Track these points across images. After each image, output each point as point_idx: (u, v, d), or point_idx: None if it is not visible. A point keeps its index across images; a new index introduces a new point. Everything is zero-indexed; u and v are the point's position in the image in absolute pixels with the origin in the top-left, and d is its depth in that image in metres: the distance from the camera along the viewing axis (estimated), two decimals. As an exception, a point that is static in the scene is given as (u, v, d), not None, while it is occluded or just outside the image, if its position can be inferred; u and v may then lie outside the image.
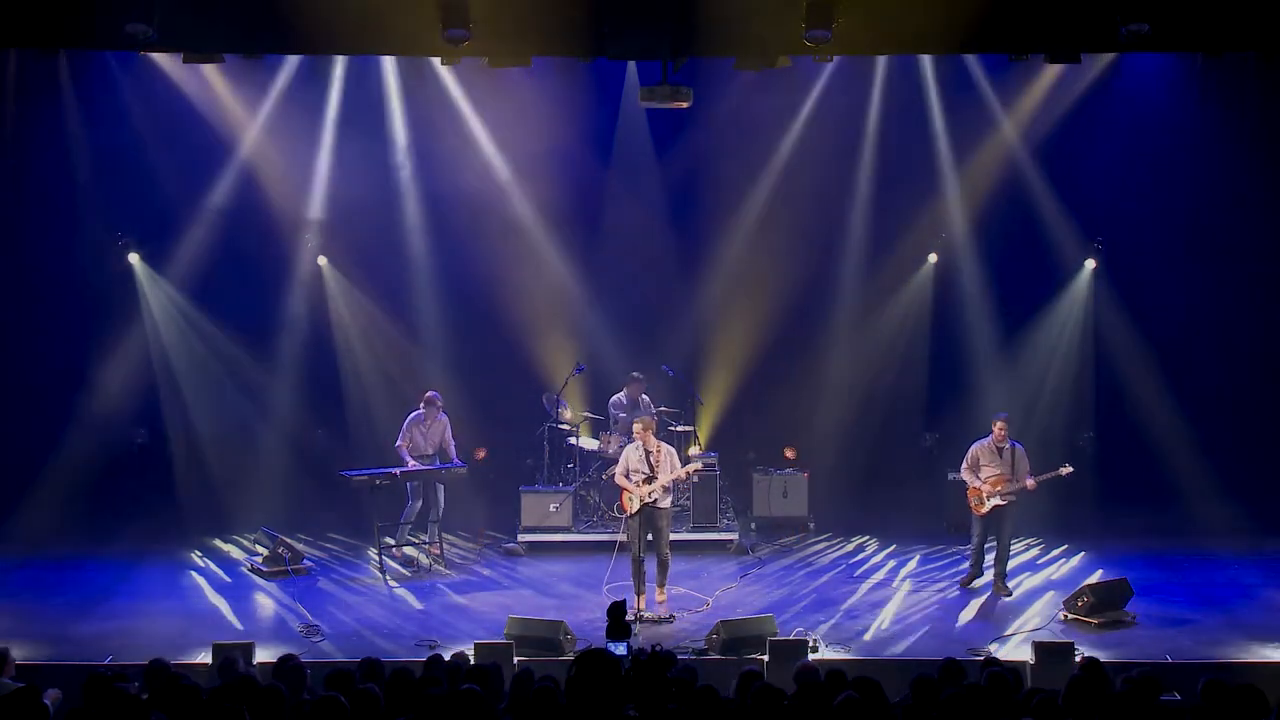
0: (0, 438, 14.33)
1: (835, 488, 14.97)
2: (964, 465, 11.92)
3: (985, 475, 11.71)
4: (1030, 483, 11.57)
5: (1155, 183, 14.62)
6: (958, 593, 12.04)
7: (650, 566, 11.52)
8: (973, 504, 11.79)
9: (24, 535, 13.40)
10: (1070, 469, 11.68)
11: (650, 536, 11.44)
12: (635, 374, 14.47)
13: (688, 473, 11.96)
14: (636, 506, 11.36)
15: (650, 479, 11.32)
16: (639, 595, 11.35)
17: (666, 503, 11.52)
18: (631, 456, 11.50)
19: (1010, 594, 11.75)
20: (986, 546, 11.99)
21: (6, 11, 9.64)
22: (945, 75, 14.65)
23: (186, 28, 9.71)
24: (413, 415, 13.43)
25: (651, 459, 11.38)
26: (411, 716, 6.63)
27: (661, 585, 11.55)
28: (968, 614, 11.44)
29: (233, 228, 14.71)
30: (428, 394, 13.47)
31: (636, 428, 11.64)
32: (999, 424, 11.79)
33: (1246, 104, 14.09)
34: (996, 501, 11.59)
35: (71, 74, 13.86)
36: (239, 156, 14.50)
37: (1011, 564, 12.13)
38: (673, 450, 11.75)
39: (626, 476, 11.47)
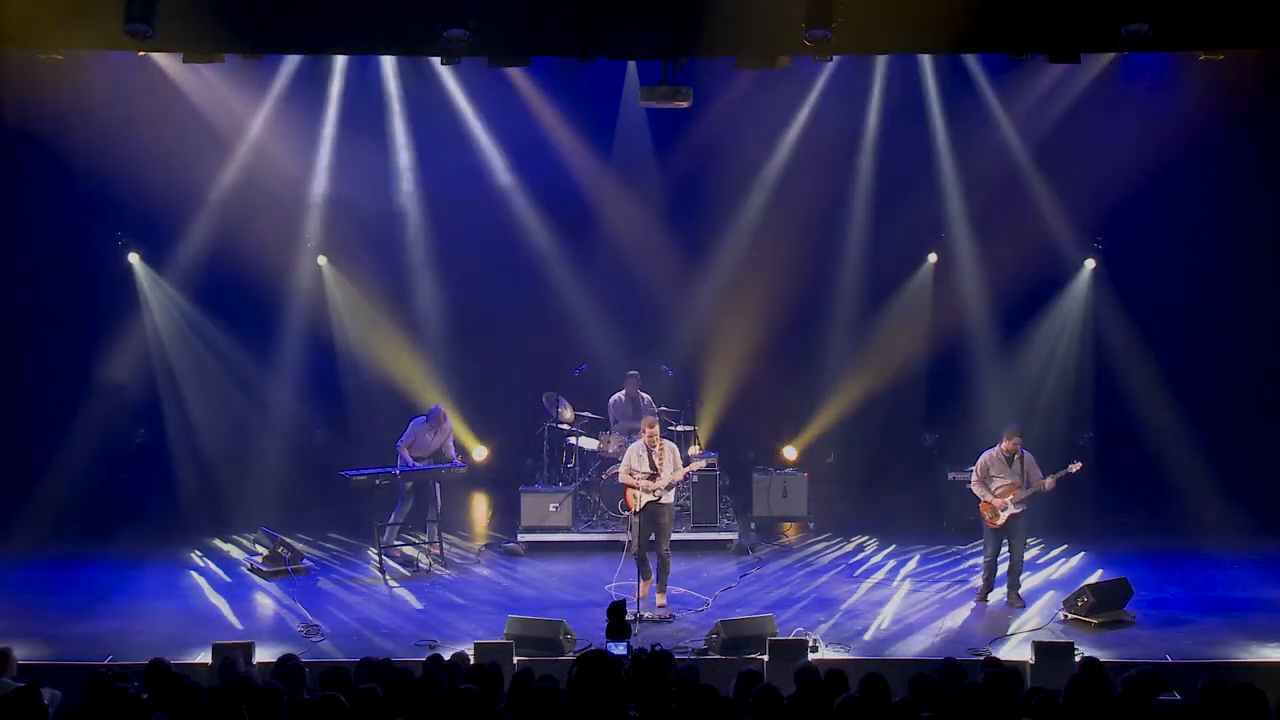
0: (1, 437, 14.33)
1: (835, 488, 14.97)
2: (974, 477, 11.69)
3: (996, 486, 11.52)
4: (1049, 481, 11.46)
5: (1155, 182, 14.60)
6: (958, 592, 12.03)
7: (653, 564, 11.51)
8: (987, 517, 11.59)
9: (24, 535, 13.39)
10: (1080, 465, 11.58)
11: (653, 534, 11.43)
12: (631, 371, 14.50)
13: (688, 472, 11.96)
14: (641, 503, 11.38)
15: (653, 476, 11.34)
16: (644, 581, 11.36)
17: (669, 498, 11.53)
18: (633, 456, 11.49)
19: (1024, 605, 11.52)
20: (1000, 559, 11.74)
21: (8, 12, 9.64)
22: (945, 75, 14.66)
23: (186, 28, 9.71)
24: (417, 420, 13.43)
25: (654, 456, 11.38)
26: (411, 716, 6.64)
27: (662, 589, 11.49)
28: (968, 614, 11.42)
29: (233, 227, 14.72)
30: (434, 410, 13.43)
31: (646, 429, 11.53)
32: (1015, 438, 11.54)
33: (1246, 104, 14.09)
34: (1011, 511, 11.50)
35: (72, 74, 13.84)
36: (239, 157, 14.51)
37: (1011, 564, 12.12)
38: (675, 447, 11.75)
39: (630, 475, 11.48)
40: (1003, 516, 11.49)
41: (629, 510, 11.58)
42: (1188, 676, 8.31)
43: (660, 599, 11.45)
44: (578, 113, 14.97)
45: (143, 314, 14.88)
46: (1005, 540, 11.61)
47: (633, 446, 11.63)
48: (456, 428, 13.93)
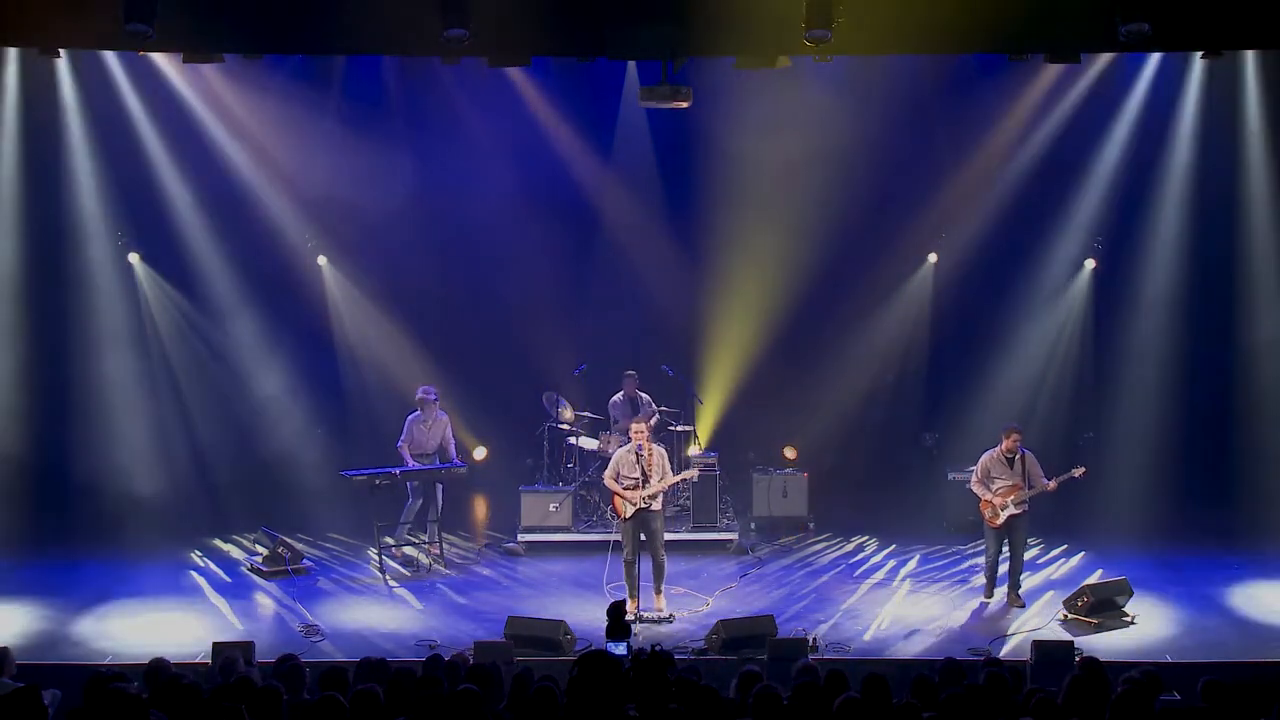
0: (0, 438, 14.33)
1: (835, 488, 14.97)
2: (974, 478, 11.74)
3: (997, 487, 11.53)
4: (1052, 484, 11.47)
5: (1154, 183, 14.63)
6: (958, 592, 12.03)
7: (645, 566, 11.47)
8: (987, 516, 11.61)
9: (24, 535, 13.40)
10: (1083, 469, 11.59)
11: (644, 538, 11.40)
12: (629, 371, 14.51)
13: (676, 481, 11.89)
14: (631, 511, 11.34)
15: (642, 483, 11.28)
16: (632, 599, 11.30)
17: (659, 505, 11.46)
18: (623, 460, 11.44)
19: (1024, 605, 11.54)
20: (1001, 559, 11.74)
21: (6, 11, 9.64)
22: (945, 75, 14.64)
23: (186, 28, 9.70)
24: (413, 415, 13.46)
25: (644, 463, 11.33)
26: (411, 716, 6.64)
27: (659, 591, 11.43)
28: (967, 614, 11.43)
29: (232, 227, 14.74)
30: (419, 393, 13.47)
31: (634, 429, 11.58)
32: (1013, 437, 11.57)
33: (1246, 104, 14.09)
34: (1012, 511, 11.48)
35: (72, 74, 13.87)
36: (239, 156, 14.52)
37: (1012, 564, 12.11)
38: (664, 452, 11.67)
39: (616, 479, 11.43)
40: (1002, 516, 11.50)
41: (618, 517, 11.54)
42: (1188, 676, 8.30)
43: (659, 601, 11.40)
44: (578, 113, 14.97)
45: (142, 314, 14.88)
46: (1006, 540, 11.61)
47: (622, 450, 11.60)
48: (456, 428, 13.91)
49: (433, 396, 13.47)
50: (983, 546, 12.55)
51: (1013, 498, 11.46)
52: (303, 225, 15.11)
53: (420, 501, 13.39)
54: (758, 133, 14.89)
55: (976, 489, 11.72)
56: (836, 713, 6.33)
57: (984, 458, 11.72)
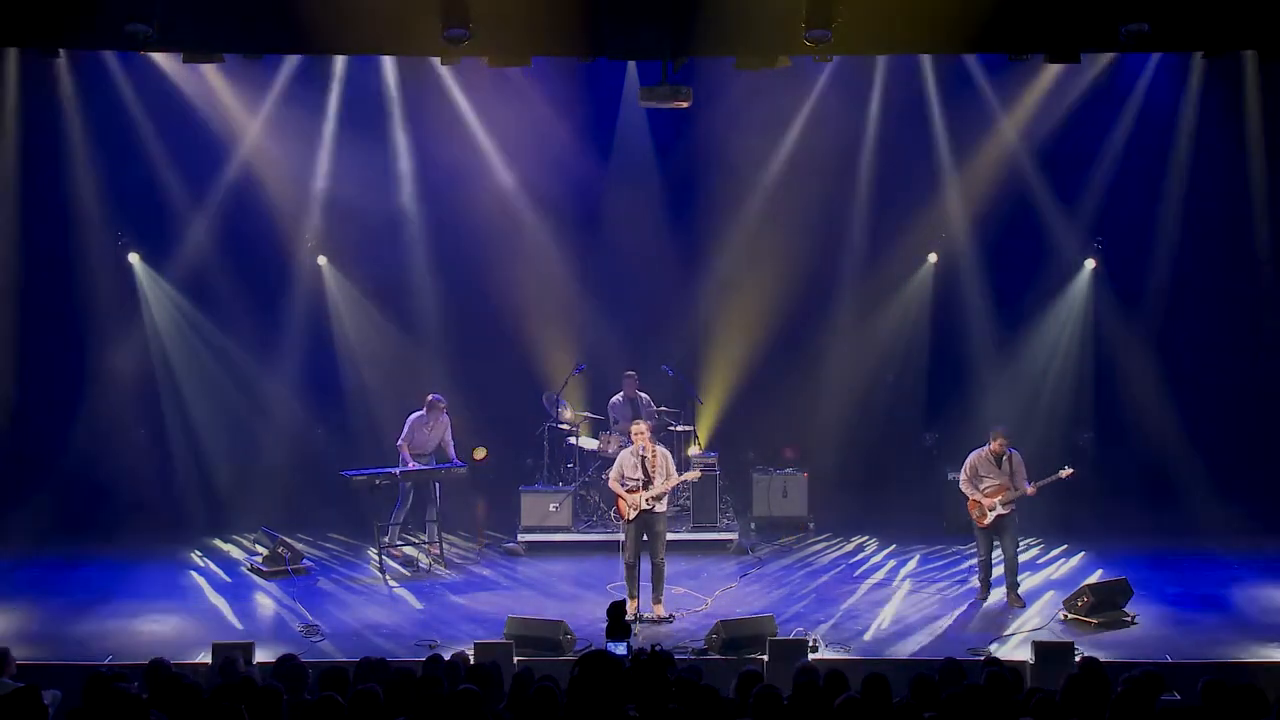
0: (0, 438, 14.33)
1: (835, 488, 14.97)
2: (963, 476, 11.70)
3: (985, 486, 11.52)
4: (1030, 489, 11.44)
5: (1155, 182, 14.64)
6: (958, 592, 12.03)
7: (646, 566, 11.45)
8: (975, 516, 11.61)
9: (24, 535, 13.41)
10: (1071, 470, 11.56)
11: (646, 539, 11.39)
12: (628, 372, 14.51)
13: (679, 482, 11.87)
14: (634, 514, 11.32)
15: (645, 484, 11.27)
16: (632, 600, 11.27)
17: (663, 506, 11.43)
18: (626, 462, 11.41)
19: (1024, 605, 11.50)
20: (994, 560, 11.73)
21: (6, 11, 9.64)
22: (945, 75, 14.65)
23: (186, 28, 9.71)
24: (415, 416, 13.45)
25: (647, 464, 11.30)
26: (411, 716, 6.64)
27: (659, 599, 11.31)
28: (967, 614, 11.42)
29: (232, 228, 14.75)
30: (430, 397, 13.48)
31: (635, 431, 11.57)
32: (1001, 440, 11.56)
33: (1246, 104, 14.10)
34: (999, 511, 11.48)
35: (72, 74, 13.88)
36: (239, 156, 14.53)
37: (1012, 565, 12.11)
38: (668, 454, 11.63)
39: (620, 482, 11.41)
40: (990, 516, 11.50)
41: (622, 518, 11.52)
42: (1188, 676, 8.31)
43: (658, 610, 11.30)
44: (578, 113, 14.97)
45: (143, 314, 14.89)
46: (996, 540, 11.62)
47: (625, 451, 11.58)
48: (457, 428, 13.91)
49: (443, 403, 13.46)
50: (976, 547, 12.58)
51: (1000, 498, 11.46)
52: (303, 225, 15.12)
53: (410, 505, 13.35)
54: (758, 133, 14.92)
55: (965, 488, 11.70)
56: (836, 713, 6.33)
57: (972, 456, 11.71)
